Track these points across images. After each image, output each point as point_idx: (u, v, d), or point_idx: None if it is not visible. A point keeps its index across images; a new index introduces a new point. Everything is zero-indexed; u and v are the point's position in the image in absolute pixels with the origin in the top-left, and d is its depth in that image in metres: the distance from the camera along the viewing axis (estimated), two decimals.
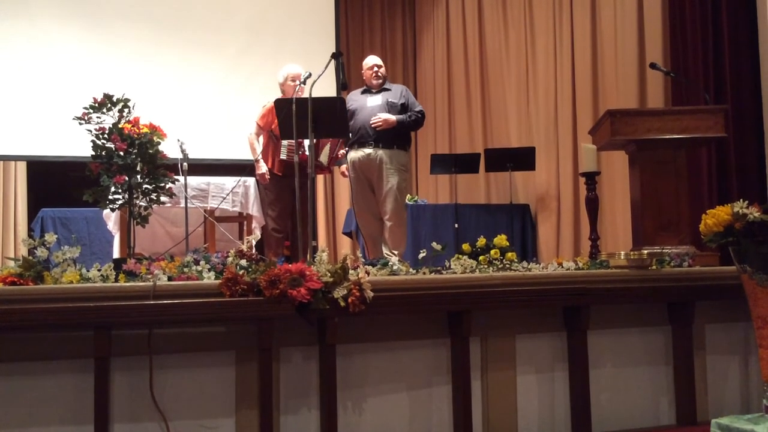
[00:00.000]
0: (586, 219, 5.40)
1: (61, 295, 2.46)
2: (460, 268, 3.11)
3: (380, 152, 4.92)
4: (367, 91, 5.13)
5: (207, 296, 2.57)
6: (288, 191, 4.86)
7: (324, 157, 5.00)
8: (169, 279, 2.64)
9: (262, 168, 4.98)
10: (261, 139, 5.09)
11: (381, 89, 5.09)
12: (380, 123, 4.87)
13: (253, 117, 5.16)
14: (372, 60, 5.21)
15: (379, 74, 5.10)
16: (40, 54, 6.38)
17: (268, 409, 2.61)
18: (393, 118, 4.89)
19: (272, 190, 5.04)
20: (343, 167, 5.21)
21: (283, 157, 4.88)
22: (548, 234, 6.84)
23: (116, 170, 3.31)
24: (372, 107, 4.98)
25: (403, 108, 5.01)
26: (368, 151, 4.94)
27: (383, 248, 4.95)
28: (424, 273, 3.06)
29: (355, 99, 5.13)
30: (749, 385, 3.32)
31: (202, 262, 2.78)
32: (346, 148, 5.10)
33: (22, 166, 7.18)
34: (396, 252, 4.80)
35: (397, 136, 4.96)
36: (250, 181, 5.66)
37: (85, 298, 2.46)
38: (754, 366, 3.29)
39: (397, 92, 5.09)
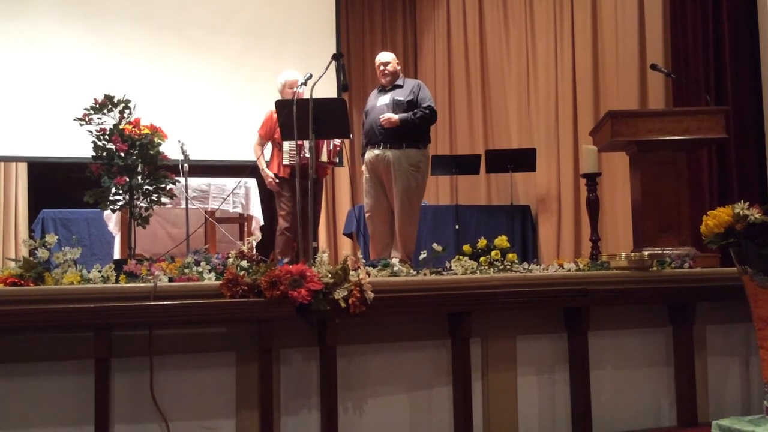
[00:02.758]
0: (586, 220, 5.40)
1: (61, 296, 2.47)
2: (460, 270, 3.11)
3: (388, 152, 4.85)
4: (382, 90, 5.09)
5: (207, 297, 2.58)
6: (295, 191, 4.81)
7: (324, 156, 5.01)
8: (170, 280, 2.64)
9: (269, 176, 5.04)
10: (268, 146, 5.11)
11: (393, 87, 5.03)
12: (384, 122, 4.83)
13: (255, 119, 5.16)
14: (379, 58, 5.14)
15: (386, 72, 5.03)
16: (41, 55, 6.39)
17: (268, 410, 2.60)
18: (395, 117, 4.80)
19: (281, 192, 5.04)
20: (363, 167, 5.19)
21: (285, 162, 4.89)
22: (549, 235, 6.84)
23: (117, 171, 3.31)
24: (380, 106, 4.93)
25: (411, 105, 4.89)
26: (377, 151, 4.89)
27: (392, 251, 4.91)
28: (425, 274, 3.06)
29: (370, 99, 5.13)
30: (750, 386, 3.31)
31: (202, 263, 2.78)
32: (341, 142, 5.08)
33: (23, 167, 7.19)
34: (403, 252, 4.77)
35: (405, 135, 4.85)
36: (251, 182, 5.67)
37: (86, 299, 2.46)
38: (754, 367, 3.29)
39: (407, 89, 4.99)
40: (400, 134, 4.84)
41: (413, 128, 4.88)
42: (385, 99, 4.97)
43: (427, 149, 5.02)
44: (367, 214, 5.07)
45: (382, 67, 5.06)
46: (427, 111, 4.88)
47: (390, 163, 4.84)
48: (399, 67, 5.14)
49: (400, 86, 5.03)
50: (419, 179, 4.93)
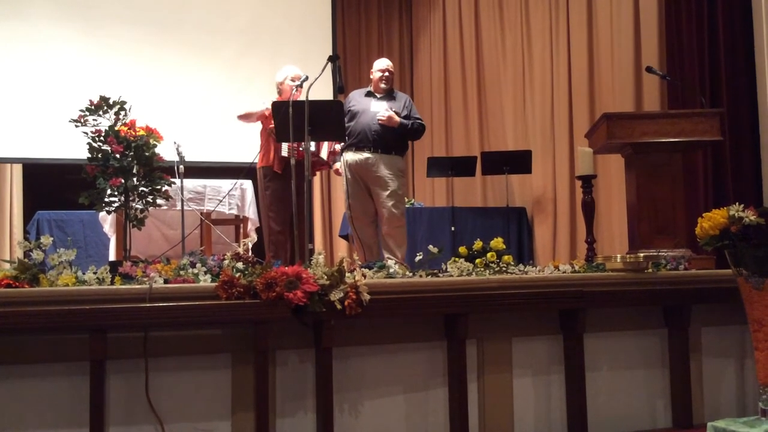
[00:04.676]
0: (582, 222, 5.42)
1: (56, 297, 2.46)
2: (456, 271, 3.11)
3: (378, 157, 4.89)
4: (371, 94, 5.08)
5: (203, 299, 2.57)
6: (288, 191, 4.70)
7: (324, 153, 5.00)
8: (165, 282, 2.63)
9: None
10: (259, 127, 4.96)
11: (386, 96, 5.05)
12: (385, 120, 4.85)
13: None
14: (384, 63, 5.15)
15: (389, 78, 5.07)
16: (37, 56, 6.37)
17: (264, 411, 2.60)
18: (397, 119, 4.87)
19: (272, 191, 4.86)
20: (337, 165, 5.15)
21: (284, 154, 4.75)
22: (545, 237, 6.85)
23: (112, 173, 3.30)
24: (375, 112, 4.93)
25: (404, 119, 4.98)
26: (367, 155, 4.90)
27: (384, 252, 4.92)
28: (421, 276, 3.06)
29: (357, 100, 5.07)
30: (745, 387, 3.33)
31: (198, 265, 2.78)
32: (342, 145, 5.04)
33: (18, 169, 7.16)
34: (398, 255, 4.78)
35: (395, 142, 4.94)
36: (247, 183, 5.66)
37: (81, 301, 2.46)
38: (750, 369, 3.30)
39: (400, 102, 5.05)
40: (390, 141, 4.92)
41: (402, 136, 5.00)
42: (379, 106, 4.96)
43: (405, 157, 5.19)
44: (351, 217, 5.03)
45: (387, 73, 5.07)
46: (421, 127, 5.06)
47: (381, 167, 4.89)
48: None
49: (393, 98, 5.08)
50: (405, 184, 5.12)
